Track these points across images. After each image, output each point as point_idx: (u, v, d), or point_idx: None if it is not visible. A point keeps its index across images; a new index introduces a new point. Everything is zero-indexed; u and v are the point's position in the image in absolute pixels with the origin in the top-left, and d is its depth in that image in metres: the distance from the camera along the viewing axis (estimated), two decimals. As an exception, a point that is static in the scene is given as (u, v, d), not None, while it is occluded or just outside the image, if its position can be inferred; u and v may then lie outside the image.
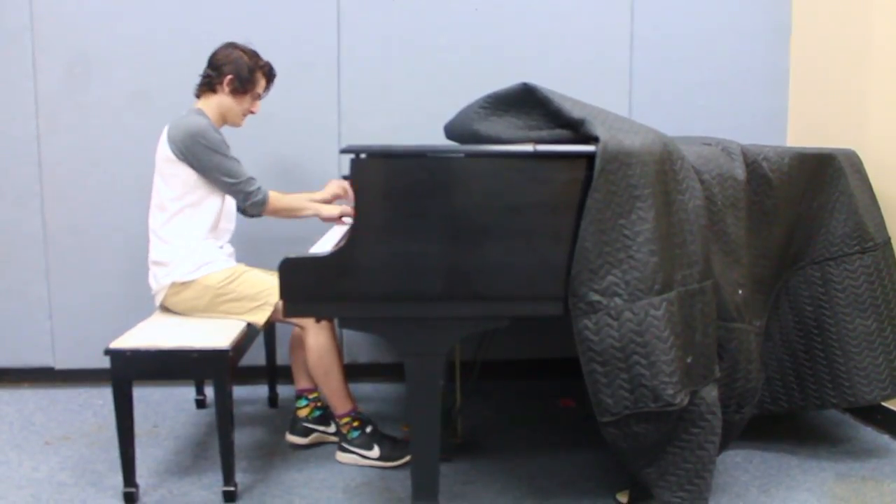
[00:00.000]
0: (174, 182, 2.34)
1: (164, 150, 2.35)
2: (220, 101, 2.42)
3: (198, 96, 2.45)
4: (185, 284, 2.34)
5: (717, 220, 2.07)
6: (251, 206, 2.38)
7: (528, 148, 1.83)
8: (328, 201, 2.61)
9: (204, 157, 2.30)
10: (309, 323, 2.33)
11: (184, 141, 2.29)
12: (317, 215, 2.51)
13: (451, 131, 2.37)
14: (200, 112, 2.40)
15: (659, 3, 3.13)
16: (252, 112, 2.50)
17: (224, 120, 2.47)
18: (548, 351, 3.18)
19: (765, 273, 2.26)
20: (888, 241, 2.37)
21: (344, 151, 1.83)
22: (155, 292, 2.42)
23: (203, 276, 2.33)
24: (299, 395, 2.61)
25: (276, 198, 2.43)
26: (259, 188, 2.38)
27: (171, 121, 2.37)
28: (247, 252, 2.73)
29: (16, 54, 2.96)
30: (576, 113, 1.89)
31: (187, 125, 2.31)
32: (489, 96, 2.10)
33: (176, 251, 2.34)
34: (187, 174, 2.33)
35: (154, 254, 2.39)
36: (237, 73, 2.39)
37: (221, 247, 2.45)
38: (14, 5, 2.94)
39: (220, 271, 2.35)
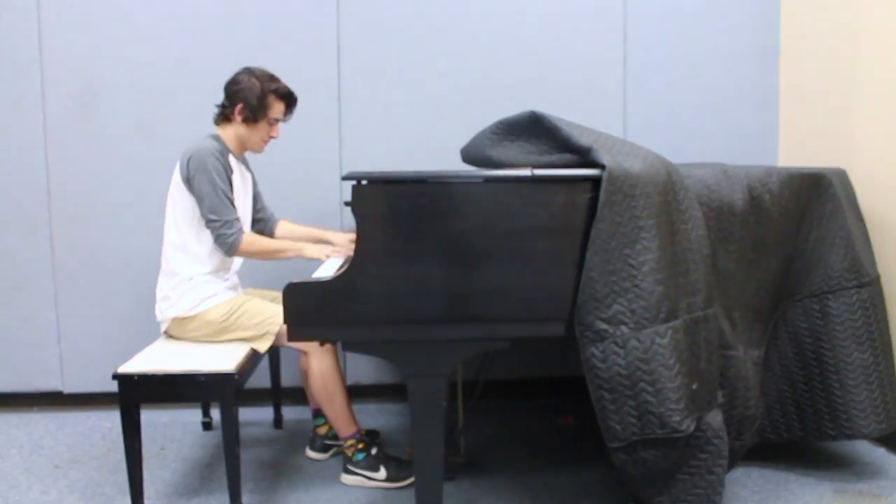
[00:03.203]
0: (180, 209, 2.37)
1: (175, 174, 2.38)
2: (235, 129, 2.44)
3: (216, 123, 2.47)
4: (186, 319, 2.38)
5: None
6: (219, 246, 2.35)
7: (526, 172, 1.86)
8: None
9: (196, 181, 2.30)
10: (311, 348, 2.36)
11: (187, 162, 2.32)
12: (299, 256, 2.42)
13: (466, 155, 2.42)
14: (216, 137, 2.43)
15: (651, 27, 3.20)
16: (273, 137, 2.48)
17: (244, 147, 2.50)
18: (547, 370, 3.22)
19: (762, 303, 2.29)
20: (878, 277, 2.41)
21: (345, 178, 1.87)
22: (160, 321, 2.46)
23: (203, 310, 2.36)
24: (316, 415, 2.66)
25: (250, 243, 2.37)
26: (233, 233, 2.32)
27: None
28: (253, 274, 2.78)
29: (25, 85, 3.03)
30: (583, 140, 1.92)
31: (194, 146, 2.34)
32: (500, 123, 2.14)
33: (178, 285, 2.37)
34: (192, 202, 2.35)
35: (160, 285, 2.43)
36: (246, 101, 2.39)
37: (227, 278, 2.47)
38: (23, 37, 3.01)
39: (221, 305, 2.37)
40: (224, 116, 2.44)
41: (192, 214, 2.36)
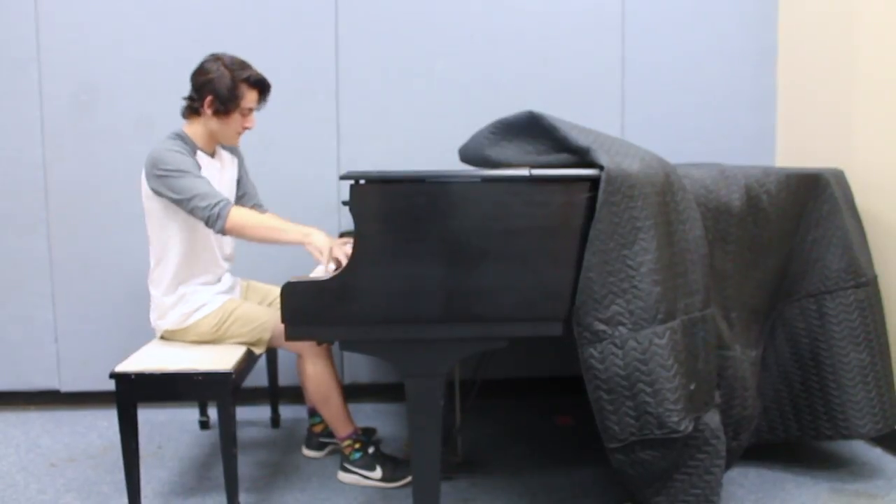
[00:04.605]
0: (154, 220, 2.27)
1: (143, 184, 2.24)
2: (206, 123, 2.26)
3: (184, 117, 2.30)
4: (178, 332, 2.35)
5: None
6: (207, 225, 2.13)
7: (524, 172, 1.86)
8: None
9: (160, 179, 2.15)
10: (306, 350, 2.35)
11: (148, 171, 2.19)
12: (304, 242, 2.09)
13: (465, 155, 2.42)
14: (177, 136, 2.26)
15: (649, 27, 3.21)
16: (247, 128, 2.30)
17: (215, 141, 2.33)
18: (545, 370, 3.22)
19: (760, 304, 2.30)
20: (875, 278, 2.42)
21: (344, 178, 1.87)
22: (153, 328, 2.43)
23: (193, 322, 2.32)
24: (312, 413, 2.66)
25: (239, 213, 2.13)
26: (216, 203, 2.10)
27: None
28: (251, 266, 2.78)
29: (23, 84, 3.03)
30: (581, 141, 1.92)
31: (150, 153, 2.18)
32: (497, 123, 2.14)
33: (166, 298, 2.32)
34: (165, 210, 2.22)
35: (151, 289, 2.36)
36: (216, 92, 2.20)
37: (220, 279, 2.41)
38: (21, 36, 3.01)
39: (211, 315, 2.31)
40: (192, 110, 2.26)
41: (165, 224, 2.26)
